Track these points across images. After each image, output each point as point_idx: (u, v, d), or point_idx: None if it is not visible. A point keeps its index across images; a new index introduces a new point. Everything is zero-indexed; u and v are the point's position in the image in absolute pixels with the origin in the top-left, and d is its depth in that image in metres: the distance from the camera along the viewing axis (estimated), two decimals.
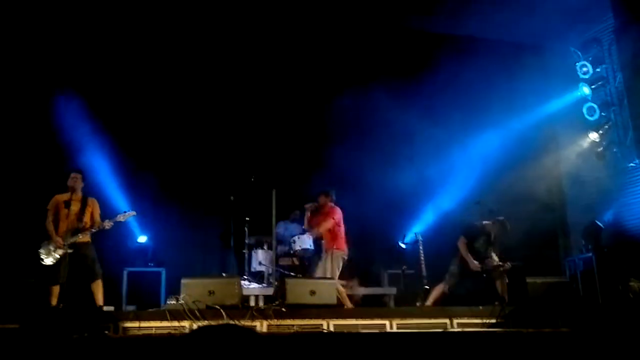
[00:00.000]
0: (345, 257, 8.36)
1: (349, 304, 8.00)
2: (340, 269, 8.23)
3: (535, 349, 4.30)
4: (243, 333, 2.70)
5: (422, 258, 8.99)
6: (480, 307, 7.13)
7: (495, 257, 8.23)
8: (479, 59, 9.93)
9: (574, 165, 10.72)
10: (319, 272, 8.23)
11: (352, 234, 10.03)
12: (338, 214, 8.45)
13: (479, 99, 10.03)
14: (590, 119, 10.16)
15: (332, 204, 8.53)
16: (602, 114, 10.08)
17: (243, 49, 10.02)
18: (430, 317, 6.69)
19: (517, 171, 9.96)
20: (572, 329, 5.38)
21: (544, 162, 10.64)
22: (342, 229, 8.45)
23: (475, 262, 8.05)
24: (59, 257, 6.87)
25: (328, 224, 8.36)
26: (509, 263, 8.14)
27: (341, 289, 8.01)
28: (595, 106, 10.13)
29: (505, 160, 9.91)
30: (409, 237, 9.38)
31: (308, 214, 8.76)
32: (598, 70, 10.23)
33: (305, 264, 9.17)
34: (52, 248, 6.92)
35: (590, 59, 10.27)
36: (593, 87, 10.21)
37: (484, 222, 8.38)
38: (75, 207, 7.13)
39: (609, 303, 8.21)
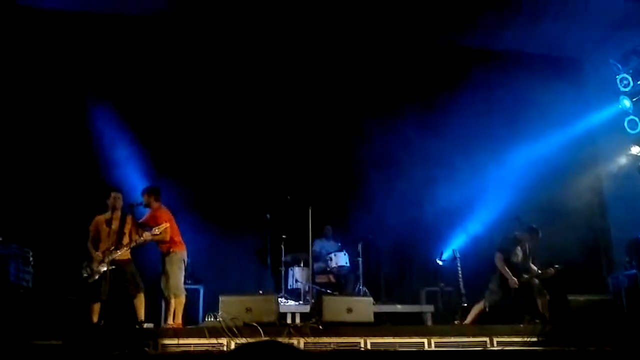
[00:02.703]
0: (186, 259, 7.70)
1: None
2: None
3: None
4: (286, 350, 2.69)
5: (461, 275, 8.90)
6: (521, 325, 7.01)
7: (534, 267, 8.10)
8: (516, 74, 9.86)
9: (615, 179, 10.50)
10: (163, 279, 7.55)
11: (390, 250, 10.02)
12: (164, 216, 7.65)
13: (517, 115, 9.95)
14: (632, 132, 9.98)
15: (159, 204, 7.73)
16: None
17: (280, 69, 10.17)
18: (469, 335, 6.59)
19: (557, 187, 9.84)
20: (615, 347, 5.24)
21: (585, 177, 10.47)
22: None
23: (514, 278, 7.90)
24: (100, 274, 7.01)
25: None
26: (551, 269, 7.98)
27: None
28: (637, 119, 9.95)
29: (545, 176, 9.79)
30: (447, 254, 9.29)
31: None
32: (639, 82, 10.05)
33: (342, 282, 9.15)
34: (94, 266, 7.06)
35: (630, 71, 10.10)
36: (634, 100, 10.03)
37: (516, 233, 8.25)
38: (115, 225, 7.29)
39: None
